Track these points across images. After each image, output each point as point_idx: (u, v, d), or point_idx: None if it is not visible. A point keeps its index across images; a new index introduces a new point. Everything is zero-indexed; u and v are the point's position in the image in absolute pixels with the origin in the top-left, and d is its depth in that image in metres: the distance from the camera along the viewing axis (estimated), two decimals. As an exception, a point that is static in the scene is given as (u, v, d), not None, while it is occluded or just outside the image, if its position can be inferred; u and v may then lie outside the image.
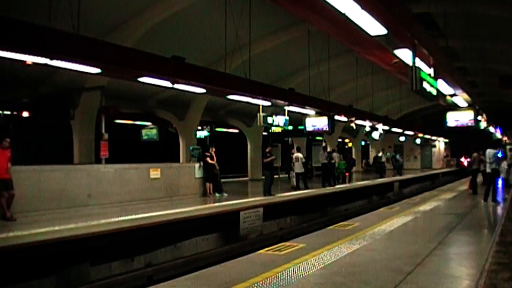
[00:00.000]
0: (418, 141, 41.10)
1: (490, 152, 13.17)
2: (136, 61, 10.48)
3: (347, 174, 23.17)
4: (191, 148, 18.47)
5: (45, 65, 8.84)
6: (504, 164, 14.17)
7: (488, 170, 13.27)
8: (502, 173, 14.10)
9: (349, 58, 21.85)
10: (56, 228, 8.54)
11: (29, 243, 7.93)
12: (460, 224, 9.87)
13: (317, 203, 17.78)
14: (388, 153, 29.53)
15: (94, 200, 12.08)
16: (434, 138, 42.46)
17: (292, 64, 22.17)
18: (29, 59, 8.45)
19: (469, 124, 18.13)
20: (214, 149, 15.71)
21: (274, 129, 22.47)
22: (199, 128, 27.87)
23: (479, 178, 16.31)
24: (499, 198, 13.36)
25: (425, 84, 10.36)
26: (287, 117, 18.48)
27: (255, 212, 13.55)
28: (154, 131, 26.09)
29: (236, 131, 31.21)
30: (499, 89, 23.51)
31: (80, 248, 8.83)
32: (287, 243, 8.25)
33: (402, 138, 36.74)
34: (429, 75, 11.03)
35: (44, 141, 26.15)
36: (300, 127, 22.05)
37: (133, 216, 10.21)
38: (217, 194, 15.25)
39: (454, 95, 16.96)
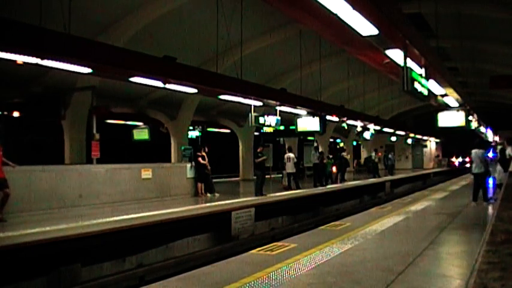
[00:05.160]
0: (409, 141, 41.28)
1: (477, 152, 13.14)
2: (128, 61, 10.44)
3: (334, 171, 23.06)
4: (183, 148, 18.45)
5: (36, 64, 8.80)
6: (498, 166, 14.15)
7: (475, 170, 13.26)
8: (496, 173, 14.08)
9: (341, 58, 21.91)
10: (47, 228, 8.50)
11: (19, 244, 7.88)
12: (451, 224, 9.91)
13: (309, 203, 17.79)
14: (373, 154, 29.65)
15: (85, 201, 12.04)
16: (425, 138, 42.65)
17: (283, 64, 22.19)
18: (20, 58, 8.41)
19: (460, 124, 18.19)
20: (206, 149, 15.71)
21: (266, 129, 22.43)
22: (191, 128, 27.82)
23: None
24: (490, 197, 13.38)
25: (416, 85, 10.40)
26: (279, 117, 18.48)
27: (247, 212, 13.55)
28: (145, 131, 26.00)
29: (228, 131, 31.19)
30: (489, 89, 23.66)
31: (71, 248, 8.78)
32: (279, 243, 8.26)
33: (393, 138, 36.87)
34: (420, 75, 11.07)
35: (34, 141, 26.00)
36: (291, 127, 22.04)
37: (125, 217, 10.18)
38: (208, 194, 15.24)
39: (445, 95, 17.03)
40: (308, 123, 19.94)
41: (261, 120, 17.64)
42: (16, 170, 10.22)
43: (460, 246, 8.12)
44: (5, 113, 18.77)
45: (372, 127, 27.07)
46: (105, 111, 16.99)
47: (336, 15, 7.46)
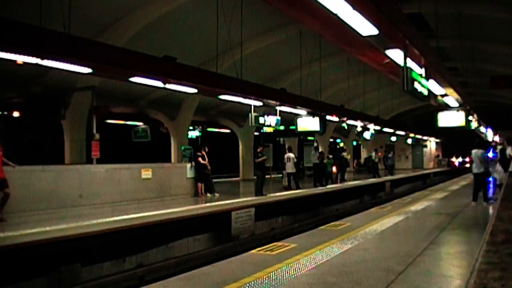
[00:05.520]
0: (409, 141, 41.26)
1: (477, 152, 13.13)
2: (128, 61, 10.44)
3: (334, 171, 23.10)
4: (183, 148, 18.44)
5: (36, 64, 8.80)
6: (498, 166, 14.12)
7: (475, 170, 13.26)
8: (496, 173, 14.08)
9: (341, 58, 21.92)
10: (47, 228, 8.50)
11: (19, 244, 7.88)
12: (451, 224, 9.91)
13: (309, 203, 17.79)
14: (374, 154, 29.67)
15: (85, 200, 12.04)
16: (425, 138, 42.64)
17: (283, 64, 22.19)
18: (20, 58, 8.41)
19: (460, 124, 18.15)
20: (206, 149, 15.71)
21: (266, 129, 22.44)
22: (191, 128, 27.82)
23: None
24: (490, 197, 13.37)
25: (416, 85, 10.39)
26: (279, 117, 18.47)
27: (247, 212, 13.55)
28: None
29: (228, 131, 31.19)
30: (489, 89, 23.66)
31: (71, 248, 8.78)
32: (279, 243, 8.26)
33: (393, 138, 36.87)
34: (420, 75, 11.06)
35: (34, 141, 26.01)
36: (291, 127, 22.04)
37: (125, 217, 10.18)
38: (208, 194, 15.24)
39: (445, 95, 17.02)
40: (308, 123, 19.93)
41: (261, 120, 17.63)
42: (16, 170, 10.22)
43: (460, 246, 8.11)
44: (5, 113, 18.78)
45: (372, 127, 27.06)
46: (105, 111, 17.00)
47: (336, 15, 7.45)
